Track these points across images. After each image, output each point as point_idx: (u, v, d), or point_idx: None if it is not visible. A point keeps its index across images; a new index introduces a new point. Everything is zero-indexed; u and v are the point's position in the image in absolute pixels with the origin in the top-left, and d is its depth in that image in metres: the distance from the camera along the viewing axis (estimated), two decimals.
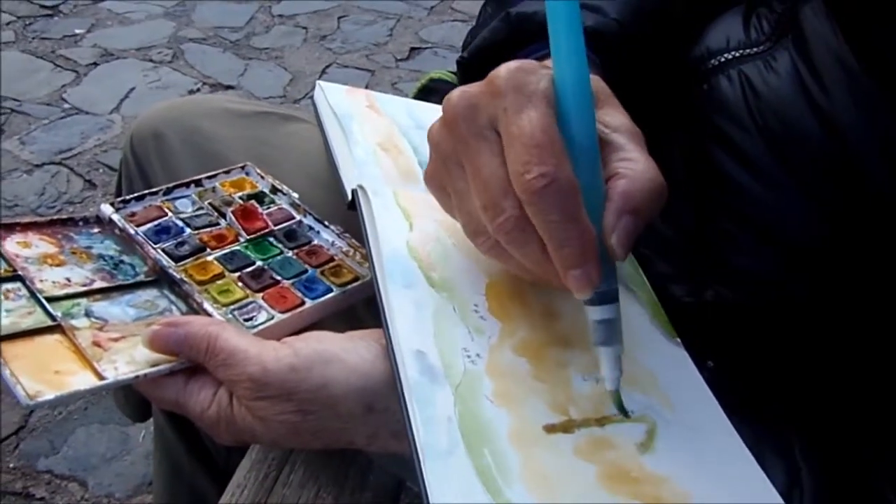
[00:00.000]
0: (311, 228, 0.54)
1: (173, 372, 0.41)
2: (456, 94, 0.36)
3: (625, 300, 0.43)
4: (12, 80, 2.04)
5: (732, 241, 0.48)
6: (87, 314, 0.44)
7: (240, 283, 0.48)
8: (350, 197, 0.46)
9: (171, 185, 0.55)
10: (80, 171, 1.76)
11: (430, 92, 0.69)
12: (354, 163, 0.49)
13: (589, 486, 0.34)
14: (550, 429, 0.36)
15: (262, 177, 0.57)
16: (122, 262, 0.49)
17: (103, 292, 0.46)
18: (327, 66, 2.32)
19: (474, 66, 0.56)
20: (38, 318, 0.42)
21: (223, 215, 0.54)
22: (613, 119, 0.37)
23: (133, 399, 0.83)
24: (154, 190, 0.54)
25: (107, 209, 0.52)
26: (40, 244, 0.48)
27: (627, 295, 0.44)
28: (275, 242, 0.52)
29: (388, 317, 0.39)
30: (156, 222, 0.52)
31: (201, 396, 0.41)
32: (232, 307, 0.46)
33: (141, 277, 0.48)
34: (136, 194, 0.54)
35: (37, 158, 1.79)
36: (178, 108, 0.70)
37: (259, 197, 0.56)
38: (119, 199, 0.53)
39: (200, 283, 0.47)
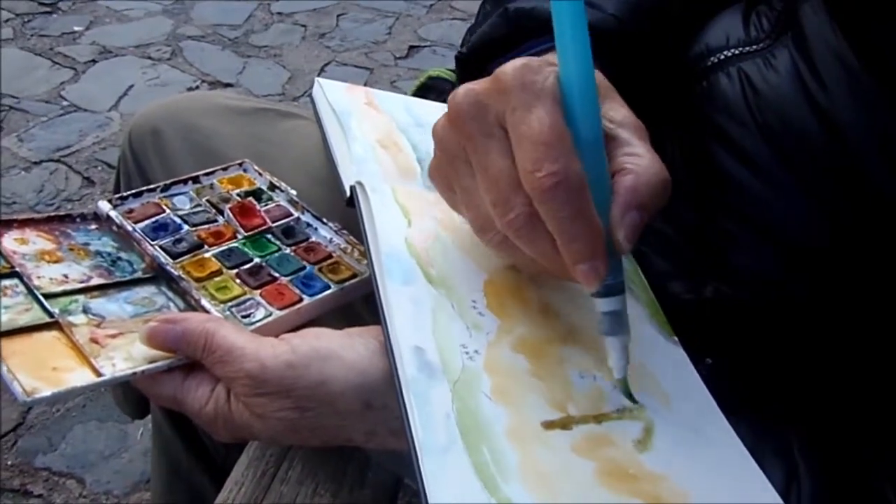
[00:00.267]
0: (309, 225, 0.54)
1: (171, 369, 0.41)
2: (461, 91, 0.36)
3: None
4: (11, 78, 2.04)
5: (732, 239, 0.48)
6: (85, 311, 0.44)
7: (237, 280, 0.48)
8: (348, 194, 0.46)
9: (168, 181, 0.55)
10: (78, 169, 1.76)
11: (429, 90, 0.69)
12: (353, 159, 0.49)
13: (587, 484, 0.34)
14: (549, 425, 0.36)
15: (260, 173, 0.57)
16: (119, 258, 0.49)
17: (101, 289, 0.46)
18: (326, 64, 2.31)
19: (472, 61, 0.56)
20: (35, 315, 0.42)
21: (221, 212, 0.54)
22: (617, 114, 0.37)
23: (131, 396, 0.83)
24: (152, 187, 0.54)
25: (104, 206, 0.52)
26: (38, 241, 0.48)
27: (626, 294, 0.44)
28: (273, 239, 0.52)
29: (386, 313, 0.39)
30: (153, 219, 0.52)
31: (199, 393, 0.40)
32: (230, 304, 0.46)
33: (138, 274, 0.48)
34: (133, 191, 0.53)
35: (35, 156, 1.78)
36: (176, 104, 0.70)
37: (257, 194, 0.56)
38: (117, 195, 0.53)
39: (198, 279, 0.47)
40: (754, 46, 0.49)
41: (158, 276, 0.48)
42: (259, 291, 0.47)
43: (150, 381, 0.41)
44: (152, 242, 0.50)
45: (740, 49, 0.49)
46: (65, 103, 1.99)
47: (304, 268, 0.49)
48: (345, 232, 0.52)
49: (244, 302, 0.46)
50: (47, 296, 0.44)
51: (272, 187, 0.56)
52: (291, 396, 0.38)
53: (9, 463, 1.17)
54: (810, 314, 0.46)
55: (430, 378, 0.36)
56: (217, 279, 0.48)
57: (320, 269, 0.49)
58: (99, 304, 0.45)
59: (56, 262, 0.47)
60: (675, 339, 0.42)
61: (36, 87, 2.04)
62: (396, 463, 0.43)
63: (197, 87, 2.12)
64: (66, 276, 0.46)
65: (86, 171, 1.76)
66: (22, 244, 0.47)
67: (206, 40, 2.36)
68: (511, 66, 0.35)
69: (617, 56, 0.51)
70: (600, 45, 0.51)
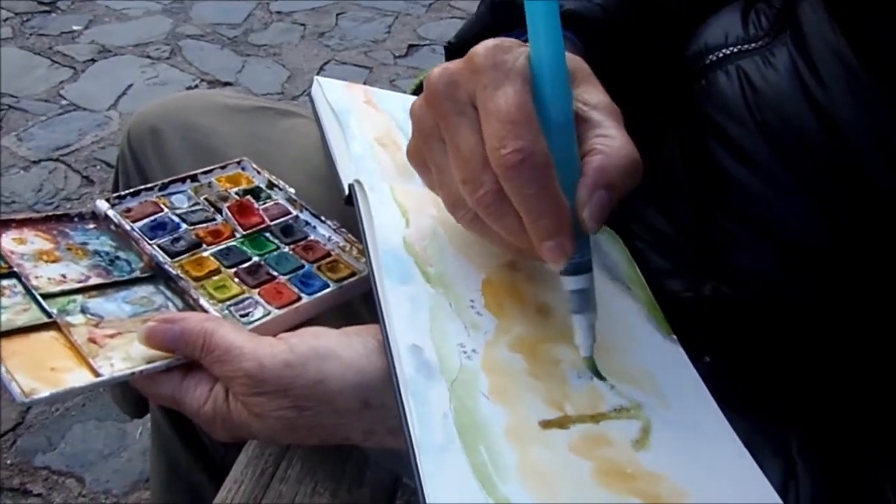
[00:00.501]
0: (307, 224, 0.54)
1: (169, 368, 0.41)
2: (437, 71, 0.37)
3: (621, 297, 0.43)
4: (10, 77, 2.04)
5: (731, 238, 0.48)
6: (83, 311, 0.44)
7: (236, 279, 0.48)
8: (347, 192, 0.46)
9: (166, 180, 0.55)
10: (77, 168, 1.76)
11: None
12: (351, 158, 0.48)
13: (585, 483, 0.34)
14: (546, 425, 0.36)
15: (259, 172, 0.57)
16: (117, 258, 0.49)
17: (99, 289, 0.46)
18: (325, 63, 2.31)
19: (460, 51, 0.56)
20: (33, 315, 0.42)
21: (219, 211, 0.53)
22: (592, 97, 0.38)
23: (130, 395, 0.83)
24: (150, 185, 0.54)
25: (102, 205, 0.52)
26: (36, 241, 0.48)
27: (624, 292, 0.44)
28: (271, 238, 0.52)
29: (384, 312, 0.39)
30: (152, 218, 0.52)
31: (197, 392, 0.40)
32: (228, 303, 0.46)
33: (137, 273, 0.48)
34: (131, 190, 0.53)
35: (34, 155, 1.78)
36: (174, 103, 0.70)
37: (255, 192, 0.56)
38: (115, 194, 0.53)
39: (196, 278, 0.47)
40: (753, 44, 0.49)
41: (157, 275, 0.48)
42: (257, 290, 0.47)
43: (149, 380, 0.41)
44: (150, 241, 0.49)
45: (739, 47, 0.49)
46: (64, 102, 1.99)
47: (303, 266, 0.49)
48: (343, 230, 0.52)
49: (243, 301, 0.46)
50: (45, 296, 0.44)
51: (271, 186, 0.56)
52: (289, 395, 0.38)
53: (8, 462, 1.17)
54: (810, 314, 0.46)
55: (428, 377, 0.36)
56: (215, 278, 0.47)
57: (319, 268, 0.49)
58: (97, 303, 0.45)
59: (54, 261, 0.47)
60: (674, 337, 0.42)
61: (35, 86, 2.04)
62: (395, 462, 0.43)
63: (196, 86, 2.12)
64: (64, 275, 0.46)
65: (85, 170, 1.75)
66: (20, 244, 0.47)
67: (205, 39, 2.36)
68: (483, 47, 0.36)
69: (602, 44, 0.51)
70: (585, 32, 0.52)
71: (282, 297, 0.46)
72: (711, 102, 0.49)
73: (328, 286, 0.48)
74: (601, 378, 0.38)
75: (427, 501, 0.32)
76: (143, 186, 0.54)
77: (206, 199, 0.54)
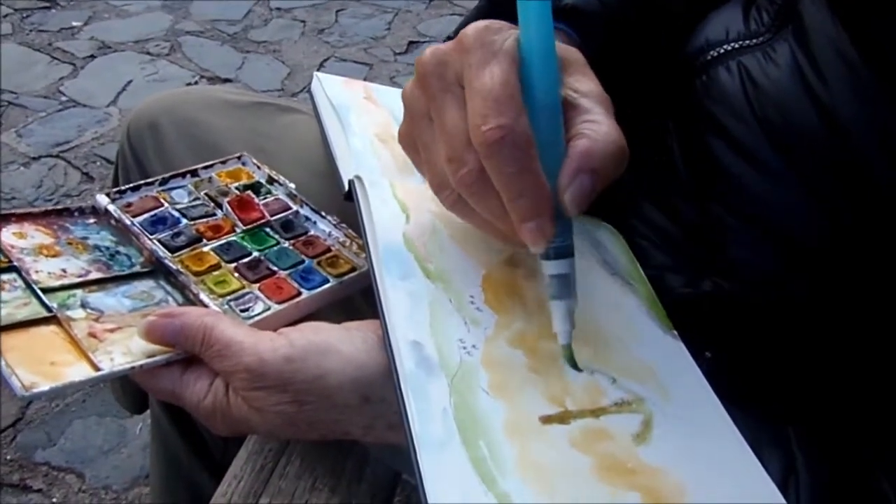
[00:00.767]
0: (307, 219, 0.54)
1: (169, 363, 0.41)
2: (428, 51, 0.38)
3: (622, 293, 0.43)
4: (9, 73, 2.04)
5: (731, 234, 0.48)
6: (83, 305, 0.44)
7: (236, 274, 0.48)
8: (347, 188, 0.46)
9: (167, 175, 0.55)
10: (77, 164, 1.76)
11: None
12: (351, 154, 0.48)
13: (585, 478, 0.34)
14: (546, 420, 0.36)
15: (259, 167, 0.57)
16: (118, 252, 0.49)
17: (99, 283, 0.46)
18: (325, 60, 2.31)
19: None
20: (33, 310, 0.42)
21: (219, 206, 0.53)
22: (583, 85, 0.38)
23: (130, 391, 0.83)
24: (150, 180, 0.54)
25: (103, 199, 0.52)
26: (36, 235, 0.48)
27: (624, 287, 0.44)
28: (271, 233, 0.52)
29: (384, 308, 0.39)
30: (152, 213, 0.52)
31: (197, 387, 0.40)
32: (228, 298, 0.46)
33: (137, 268, 0.48)
34: (131, 184, 0.53)
35: (34, 151, 1.78)
36: (174, 98, 0.70)
37: (255, 187, 0.56)
38: (115, 189, 0.53)
39: (197, 273, 0.47)
40: (754, 40, 0.48)
41: (157, 270, 0.48)
42: (258, 285, 0.47)
43: (149, 375, 0.41)
44: (150, 236, 0.49)
45: (740, 43, 0.49)
46: (63, 98, 1.98)
47: (303, 261, 0.49)
48: (343, 225, 0.52)
49: (243, 296, 0.46)
50: (45, 290, 0.44)
51: (271, 181, 0.56)
52: (289, 390, 0.38)
53: (8, 458, 1.17)
54: (810, 312, 0.46)
55: (428, 373, 0.36)
56: (216, 273, 0.47)
57: (319, 263, 0.49)
58: (97, 298, 0.45)
59: (54, 256, 0.47)
60: (675, 332, 0.42)
61: (35, 82, 2.03)
62: (395, 457, 0.43)
63: (196, 83, 2.11)
64: (64, 270, 0.46)
65: (84, 166, 1.75)
66: (20, 238, 0.47)
67: (204, 36, 2.36)
68: (473, 27, 0.36)
69: (600, 38, 0.51)
70: (582, 26, 0.52)
71: (282, 293, 0.46)
72: (712, 98, 0.49)
73: (328, 281, 0.48)
74: (577, 369, 0.38)
75: (427, 496, 0.32)
76: (143, 181, 0.54)
77: (206, 194, 0.54)
